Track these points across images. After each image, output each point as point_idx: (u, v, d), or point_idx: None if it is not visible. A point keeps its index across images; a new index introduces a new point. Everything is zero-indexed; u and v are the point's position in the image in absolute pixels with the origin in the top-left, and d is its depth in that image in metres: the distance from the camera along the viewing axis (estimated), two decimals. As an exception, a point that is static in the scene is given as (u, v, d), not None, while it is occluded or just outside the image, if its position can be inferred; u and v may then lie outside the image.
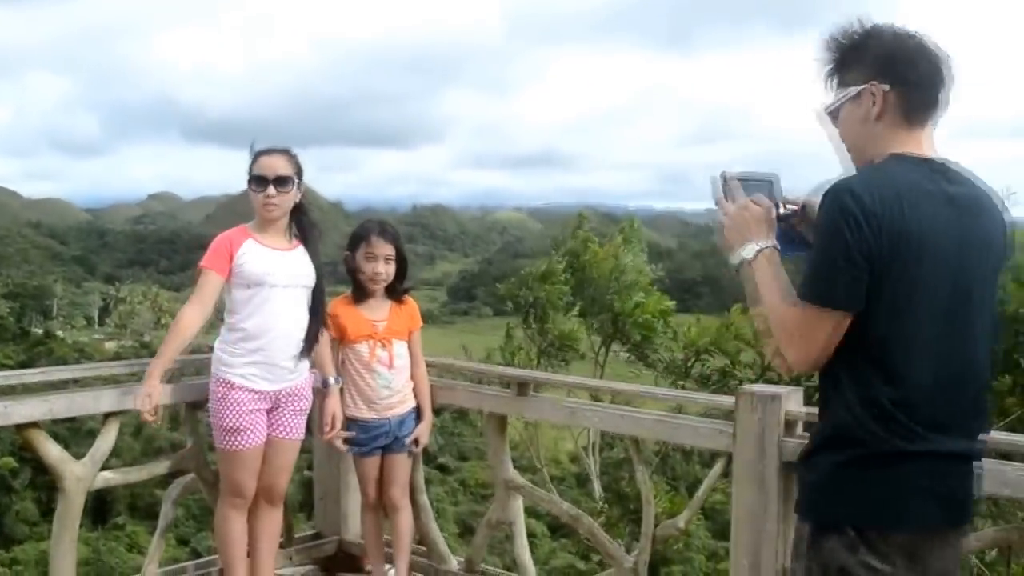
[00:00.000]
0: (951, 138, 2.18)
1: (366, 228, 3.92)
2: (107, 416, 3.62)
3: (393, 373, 3.91)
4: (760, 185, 2.15)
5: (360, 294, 3.93)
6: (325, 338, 3.78)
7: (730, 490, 3.41)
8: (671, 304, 11.27)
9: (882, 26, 1.99)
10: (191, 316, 3.50)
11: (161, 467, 3.91)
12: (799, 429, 3.15)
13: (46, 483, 22.16)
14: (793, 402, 3.18)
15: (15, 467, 24.84)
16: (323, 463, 4.48)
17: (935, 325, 1.88)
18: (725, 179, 2.14)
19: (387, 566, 4.06)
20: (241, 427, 3.54)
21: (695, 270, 68.48)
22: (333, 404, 3.84)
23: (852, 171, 2.03)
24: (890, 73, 1.94)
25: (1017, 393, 6.52)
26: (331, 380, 3.84)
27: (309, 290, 3.65)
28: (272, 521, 3.78)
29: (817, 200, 1.99)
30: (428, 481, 4.43)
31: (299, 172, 3.64)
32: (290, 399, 3.65)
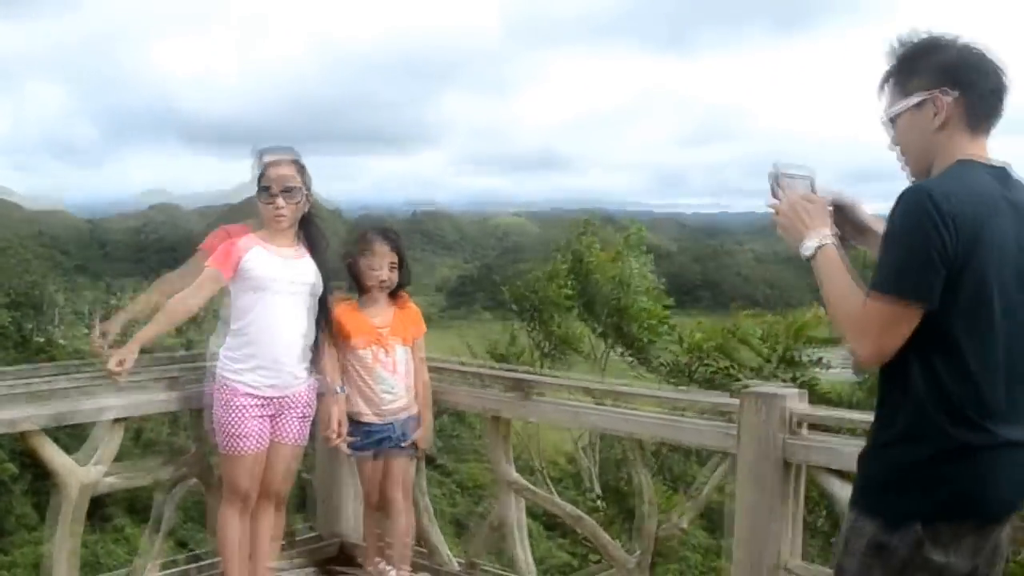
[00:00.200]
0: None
1: (368, 232, 3.94)
2: (111, 422, 3.61)
3: (396, 377, 3.92)
4: (803, 181, 2.20)
5: (363, 298, 3.95)
6: (331, 347, 3.80)
7: (727, 488, 3.43)
8: (670, 301, 11.28)
9: (946, 36, 2.06)
10: (186, 306, 3.49)
11: (164, 472, 3.91)
12: (802, 429, 3.17)
13: (45, 487, 22.09)
14: (796, 402, 3.19)
15: (15, 472, 24.77)
16: (323, 465, 4.49)
17: (1004, 323, 1.96)
18: (779, 172, 2.19)
19: (388, 567, 4.06)
20: (243, 432, 3.54)
21: (693, 272, 68.45)
22: (338, 412, 3.84)
23: (918, 176, 2.10)
24: (957, 82, 2.02)
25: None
26: (336, 389, 3.85)
27: (315, 298, 3.66)
28: (273, 524, 3.79)
29: (850, 201, 2.15)
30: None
31: (307, 180, 3.65)
32: (293, 405, 3.65)
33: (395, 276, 3.92)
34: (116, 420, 3.63)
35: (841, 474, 3.10)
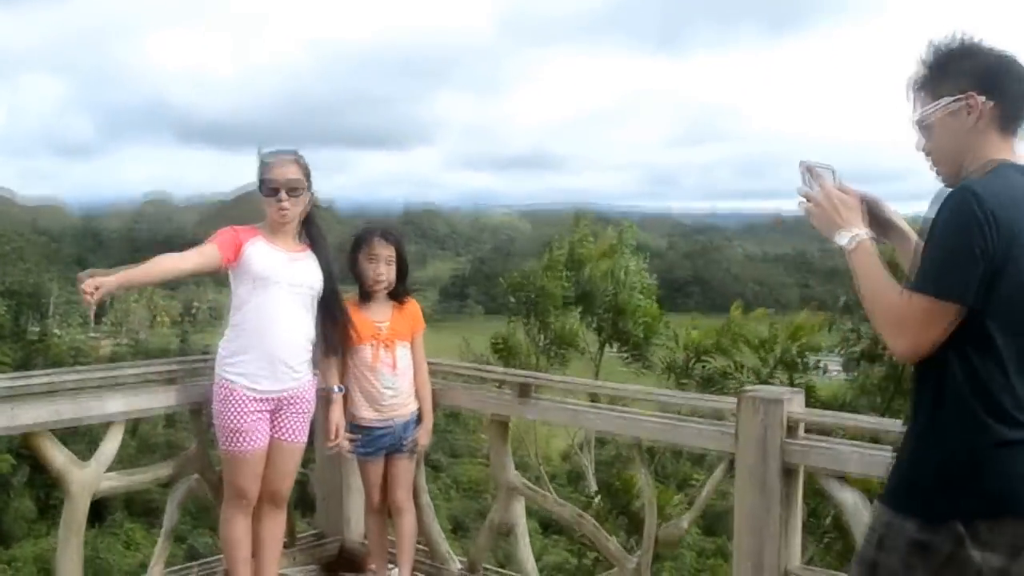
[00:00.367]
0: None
1: (368, 231, 3.95)
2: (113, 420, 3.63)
3: (396, 375, 3.93)
4: (827, 172, 2.23)
5: (363, 296, 3.96)
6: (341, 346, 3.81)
7: (724, 489, 3.45)
8: (656, 295, 11.32)
9: (978, 41, 2.10)
10: (173, 262, 3.46)
11: (165, 470, 3.92)
12: (801, 432, 3.19)
13: (44, 481, 22.04)
14: (795, 405, 3.21)
15: (13, 464, 24.68)
16: (325, 465, 4.49)
17: None
18: (809, 167, 2.23)
19: (390, 567, 4.08)
20: (243, 428, 3.56)
21: (685, 270, 68.61)
22: (336, 413, 3.87)
23: (949, 178, 2.12)
24: (991, 86, 2.05)
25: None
26: (335, 388, 3.87)
27: (314, 296, 3.68)
28: (276, 523, 3.80)
29: (873, 198, 2.20)
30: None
31: (309, 177, 3.67)
32: (293, 402, 3.66)
33: (392, 272, 3.93)
34: (118, 420, 3.65)
35: (840, 476, 3.13)
